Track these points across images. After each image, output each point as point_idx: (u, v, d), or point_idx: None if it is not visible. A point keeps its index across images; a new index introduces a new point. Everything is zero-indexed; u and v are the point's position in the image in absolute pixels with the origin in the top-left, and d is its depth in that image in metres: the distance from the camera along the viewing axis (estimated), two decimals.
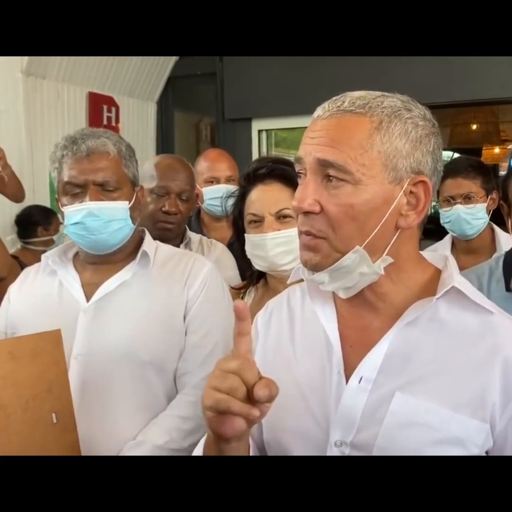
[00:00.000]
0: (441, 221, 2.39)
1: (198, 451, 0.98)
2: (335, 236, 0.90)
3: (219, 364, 0.83)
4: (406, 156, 0.90)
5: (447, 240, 2.48)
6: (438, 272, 0.98)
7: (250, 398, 0.80)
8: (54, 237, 3.67)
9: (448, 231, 2.44)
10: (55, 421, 1.31)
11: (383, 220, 0.90)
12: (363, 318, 0.97)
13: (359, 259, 0.90)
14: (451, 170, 2.34)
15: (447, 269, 0.97)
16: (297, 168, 0.95)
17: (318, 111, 0.93)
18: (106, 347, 1.44)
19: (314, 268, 0.93)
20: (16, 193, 3.52)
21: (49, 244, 3.63)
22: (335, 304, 1.01)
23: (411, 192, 0.91)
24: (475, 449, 0.90)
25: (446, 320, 0.94)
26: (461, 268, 2.01)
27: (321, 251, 0.91)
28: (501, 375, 0.90)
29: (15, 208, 3.69)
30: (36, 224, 3.63)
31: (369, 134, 0.88)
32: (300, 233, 0.93)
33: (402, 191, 0.90)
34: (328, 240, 0.90)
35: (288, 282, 1.07)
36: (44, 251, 3.53)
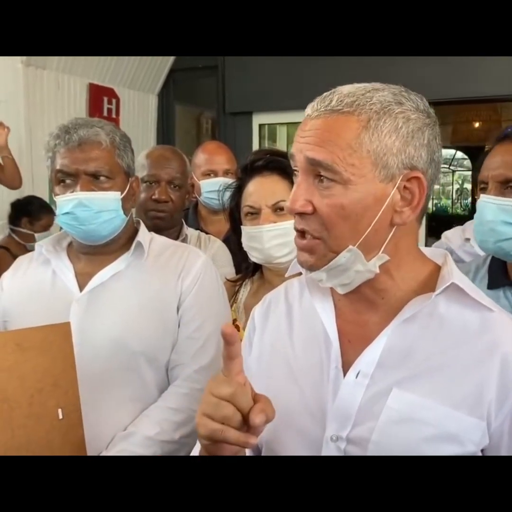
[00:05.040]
0: None
1: None
2: (329, 236, 0.90)
3: (211, 388, 0.82)
4: (397, 153, 0.88)
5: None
6: (437, 268, 0.97)
7: (245, 421, 0.79)
8: (36, 235, 3.47)
9: None
10: (61, 417, 1.28)
11: (376, 219, 0.89)
12: (362, 314, 0.97)
13: (353, 258, 0.90)
14: None
15: (446, 265, 0.96)
16: (292, 164, 0.95)
17: (308, 110, 0.92)
18: (98, 337, 1.43)
19: (311, 268, 0.93)
20: (12, 180, 3.48)
21: (29, 239, 3.46)
22: (334, 298, 1.00)
23: (405, 187, 0.90)
24: (471, 447, 0.89)
25: (445, 317, 0.93)
26: None
27: (316, 253, 0.91)
28: (499, 372, 0.89)
29: (13, 194, 3.64)
30: (25, 214, 3.51)
31: (357, 133, 0.87)
32: (296, 231, 0.93)
33: (395, 187, 0.89)
34: (323, 240, 0.90)
35: (286, 275, 1.07)
36: (24, 245, 3.46)
